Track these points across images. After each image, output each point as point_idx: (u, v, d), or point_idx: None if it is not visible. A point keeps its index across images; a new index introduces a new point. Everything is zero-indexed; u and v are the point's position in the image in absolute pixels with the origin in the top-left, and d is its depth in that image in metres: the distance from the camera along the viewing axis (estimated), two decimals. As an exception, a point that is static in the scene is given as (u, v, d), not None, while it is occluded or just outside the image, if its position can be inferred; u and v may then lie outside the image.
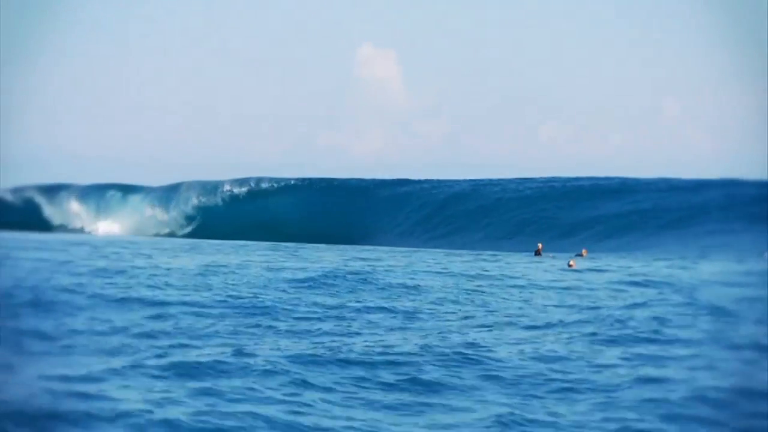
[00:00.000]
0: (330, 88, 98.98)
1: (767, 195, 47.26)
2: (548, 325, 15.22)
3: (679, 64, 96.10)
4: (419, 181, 58.15)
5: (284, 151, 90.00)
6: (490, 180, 57.63)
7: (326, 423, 8.92)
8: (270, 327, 14.33)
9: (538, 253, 38.18)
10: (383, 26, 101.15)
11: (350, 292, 19.71)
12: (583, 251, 37.47)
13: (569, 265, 30.47)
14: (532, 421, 9.25)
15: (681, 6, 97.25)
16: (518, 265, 31.34)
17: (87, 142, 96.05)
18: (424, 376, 10.88)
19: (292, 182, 61.29)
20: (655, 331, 14.38)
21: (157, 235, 60.15)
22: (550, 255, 37.01)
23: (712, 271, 28.29)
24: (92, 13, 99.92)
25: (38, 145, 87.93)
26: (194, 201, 62.49)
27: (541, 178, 57.22)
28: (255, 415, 8.85)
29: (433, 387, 10.56)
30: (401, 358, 11.61)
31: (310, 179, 61.19)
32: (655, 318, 15.85)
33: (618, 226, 49.80)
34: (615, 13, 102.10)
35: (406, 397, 10.13)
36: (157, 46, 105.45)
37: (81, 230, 63.91)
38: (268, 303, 16.90)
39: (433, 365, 11.41)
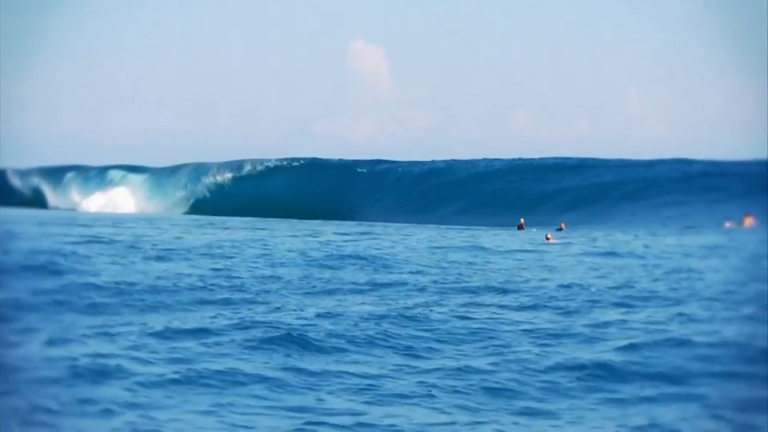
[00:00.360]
0: (324, 79, 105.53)
1: (718, 172, 51.90)
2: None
3: (640, 58, 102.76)
4: (399, 162, 61.99)
5: (283, 136, 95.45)
6: (464, 160, 61.52)
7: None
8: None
9: (521, 227, 41.00)
10: (373, 24, 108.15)
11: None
12: (562, 225, 39.91)
13: (547, 239, 32.03)
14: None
15: (643, 7, 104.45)
16: (506, 239, 34.34)
17: (91, 129, 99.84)
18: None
19: (284, 163, 64.63)
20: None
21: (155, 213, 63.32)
22: (533, 230, 39.75)
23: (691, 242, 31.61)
24: (95, 11, 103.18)
25: (43, 131, 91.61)
26: (192, 181, 65.79)
27: (508, 158, 61.16)
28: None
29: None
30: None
31: (298, 160, 64.55)
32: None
33: (581, 198, 53.85)
34: (584, 13, 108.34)
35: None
36: (158, 41, 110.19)
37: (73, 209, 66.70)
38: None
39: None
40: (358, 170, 61.71)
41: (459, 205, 56.30)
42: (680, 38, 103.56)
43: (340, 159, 63.39)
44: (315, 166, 63.40)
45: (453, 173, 59.76)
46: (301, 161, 63.93)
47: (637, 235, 34.60)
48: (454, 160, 61.47)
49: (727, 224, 37.21)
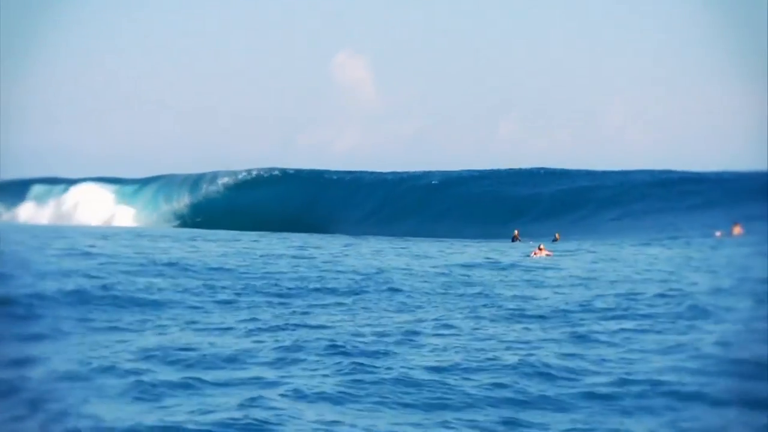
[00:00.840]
0: (309, 91, 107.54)
1: (696, 179, 53.30)
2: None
3: (623, 70, 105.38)
4: (381, 173, 62.61)
5: (269, 147, 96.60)
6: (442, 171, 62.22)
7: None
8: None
9: (515, 239, 40.79)
10: (356, 36, 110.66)
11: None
12: (557, 235, 40.10)
13: (533, 254, 30.77)
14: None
15: (626, 20, 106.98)
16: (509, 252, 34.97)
17: (81, 138, 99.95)
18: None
19: (254, 175, 64.75)
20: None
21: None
22: (530, 242, 38.50)
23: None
24: (87, 16, 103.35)
25: (34, 140, 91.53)
26: (174, 195, 65.86)
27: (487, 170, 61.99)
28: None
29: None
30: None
31: (269, 170, 64.78)
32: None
33: (561, 205, 54.78)
34: (566, 25, 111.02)
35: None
36: (147, 53, 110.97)
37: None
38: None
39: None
40: (345, 180, 62.13)
41: (437, 216, 56.90)
42: (664, 50, 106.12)
43: (311, 170, 63.75)
44: (291, 177, 63.66)
45: (432, 183, 60.46)
46: (277, 172, 64.13)
47: (633, 245, 35.44)
48: (434, 171, 62.09)
49: (717, 234, 38.14)
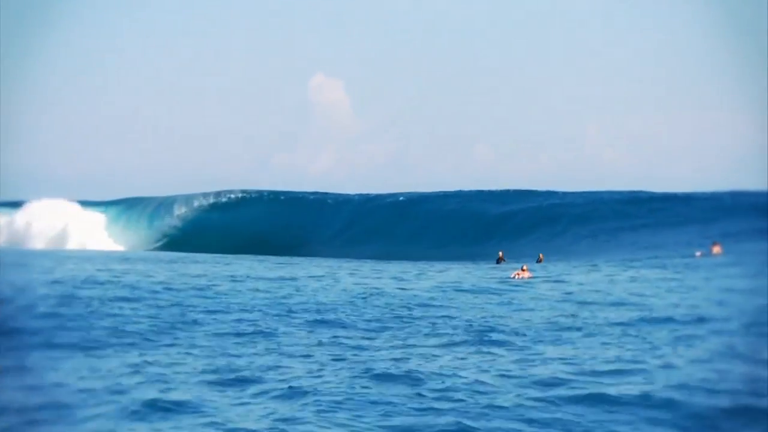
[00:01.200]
0: (285, 114, 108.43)
1: (672, 198, 54.27)
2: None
3: (600, 94, 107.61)
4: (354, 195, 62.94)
5: (244, 169, 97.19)
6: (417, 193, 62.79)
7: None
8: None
9: (500, 260, 40.53)
10: (332, 58, 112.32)
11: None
12: (540, 256, 40.26)
13: (514, 276, 30.60)
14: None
15: (600, 44, 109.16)
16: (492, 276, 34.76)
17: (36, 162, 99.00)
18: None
19: (223, 199, 64.87)
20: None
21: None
22: (514, 264, 39.11)
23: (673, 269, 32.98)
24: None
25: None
26: (144, 216, 65.62)
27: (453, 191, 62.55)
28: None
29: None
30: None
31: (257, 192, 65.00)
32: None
33: (531, 224, 55.44)
34: (545, 50, 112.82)
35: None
36: (118, 71, 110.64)
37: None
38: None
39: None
40: (320, 201, 62.41)
41: (409, 236, 57.36)
42: (639, 72, 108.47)
43: (287, 191, 64.06)
44: (265, 199, 63.88)
45: (410, 205, 60.95)
46: (250, 194, 64.32)
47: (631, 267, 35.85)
48: (405, 192, 62.62)
49: (698, 253, 38.88)
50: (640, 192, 56.74)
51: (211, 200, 64.33)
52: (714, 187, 52.73)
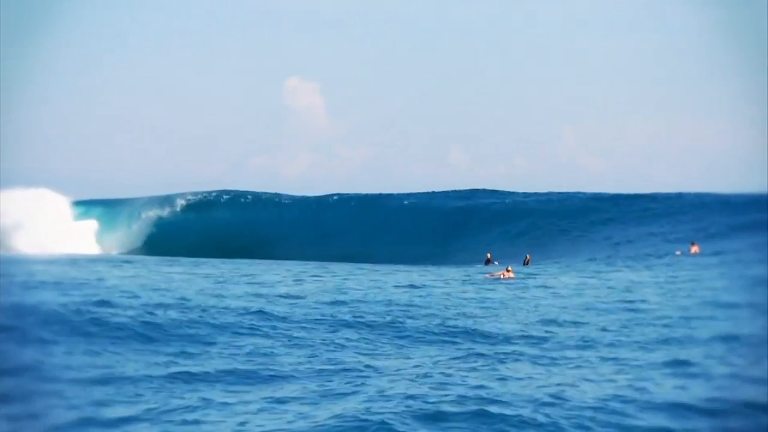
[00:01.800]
0: (261, 117, 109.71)
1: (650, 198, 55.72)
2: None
3: (577, 98, 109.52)
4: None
5: (220, 172, 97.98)
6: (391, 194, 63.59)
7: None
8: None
9: (488, 262, 40.45)
10: (307, 61, 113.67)
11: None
12: (527, 257, 40.03)
13: (502, 275, 30.95)
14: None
15: (579, 50, 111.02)
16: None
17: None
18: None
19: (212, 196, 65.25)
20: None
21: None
22: (497, 263, 39.25)
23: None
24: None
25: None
26: (118, 217, 64.59)
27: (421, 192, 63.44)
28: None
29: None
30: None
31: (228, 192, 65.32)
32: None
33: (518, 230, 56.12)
34: (524, 53, 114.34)
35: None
36: (97, 72, 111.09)
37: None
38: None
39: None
40: (296, 203, 62.90)
41: (393, 238, 57.94)
42: (616, 76, 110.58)
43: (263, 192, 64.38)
44: (242, 201, 64.16)
45: (385, 207, 61.61)
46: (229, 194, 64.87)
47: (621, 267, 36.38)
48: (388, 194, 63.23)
49: (678, 252, 40.18)
50: (629, 194, 57.73)
51: (185, 201, 64.37)
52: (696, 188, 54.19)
